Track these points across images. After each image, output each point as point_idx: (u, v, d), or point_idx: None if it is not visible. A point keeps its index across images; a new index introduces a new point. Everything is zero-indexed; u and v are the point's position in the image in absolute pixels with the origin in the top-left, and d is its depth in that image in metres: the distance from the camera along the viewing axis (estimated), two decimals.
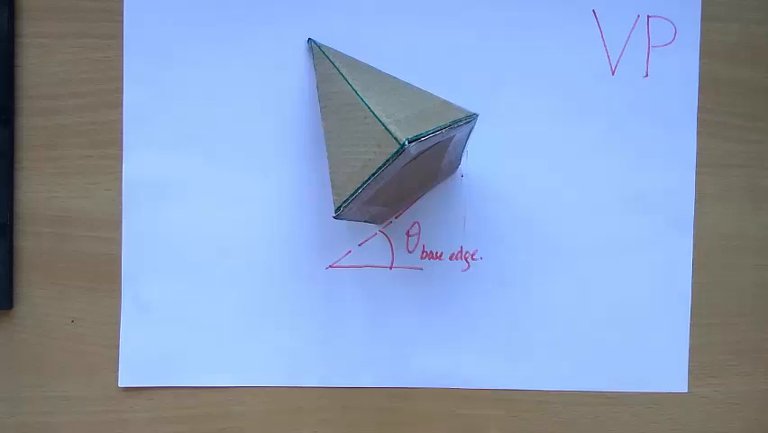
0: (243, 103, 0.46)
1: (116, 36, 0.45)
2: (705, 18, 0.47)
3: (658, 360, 0.47)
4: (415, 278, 0.46)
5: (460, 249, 0.47)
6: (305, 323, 0.46)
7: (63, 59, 0.46)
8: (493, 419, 0.47)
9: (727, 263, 0.47)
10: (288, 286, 0.46)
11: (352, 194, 0.36)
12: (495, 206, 0.47)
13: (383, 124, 0.34)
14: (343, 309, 0.46)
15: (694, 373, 0.47)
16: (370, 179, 0.35)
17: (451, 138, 0.38)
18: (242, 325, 0.46)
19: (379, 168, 0.34)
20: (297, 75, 0.46)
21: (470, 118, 0.38)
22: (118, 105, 0.46)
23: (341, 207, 0.36)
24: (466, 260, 0.47)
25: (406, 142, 0.33)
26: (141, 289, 0.46)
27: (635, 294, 0.47)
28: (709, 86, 0.47)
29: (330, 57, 0.42)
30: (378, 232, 0.46)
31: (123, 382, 0.46)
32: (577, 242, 0.47)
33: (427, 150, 0.36)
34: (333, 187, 0.37)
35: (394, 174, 0.36)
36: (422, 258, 0.47)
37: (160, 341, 0.46)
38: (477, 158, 0.46)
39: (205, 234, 0.46)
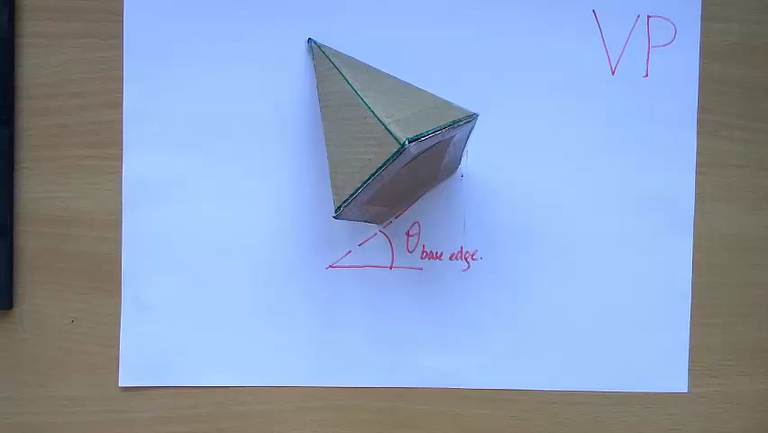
0: (243, 103, 0.46)
1: (116, 36, 0.45)
2: (705, 18, 0.47)
3: (658, 360, 0.47)
4: (415, 278, 0.46)
5: (460, 249, 0.47)
6: (305, 323, 0.46)
7: (63, 59, 0.46)
8: (493, 419, 0.47)
9: (727, 263, 0.47)
10: (288, 286, 0.46)
11: (352, 194, 0.36)
12: (495, 206, 0.47)
13: (383, 124, 0.35)
14: (343, 309, 0.46)
15: (694, 373, 0.47)
16: (370, 179, 0.35)
17: (451, 138, 0.38)
18: (241, 325, 0.46)
19: (379, 168, 0.34)
20: (297, 75, 0.46)
21: (471, 118, 0.38)
22: (118, 105, 0.46)
23: (341, 206, 0.36)
24: (466, 260, 0.47)
25: (407, 142, 0.33)
26: (140, 289, 0.46)
27: (635, 294, 0.47)
28: (709, 86, 0.47)
29: (330, 57, 0.42)
30: (378, 232, 0.46)
31: (123, 382, 0.46)
32: (577, 242, 0.47)
33: (427, 150, 0.36)
34: (333, 187, 0.37)
35: (394, 174, 0.36)
36: (422, 258, 0.47)
37: (160, 341, 0.46)
38: (477, 158, 0.46)
39: (205, 234, 0.46)
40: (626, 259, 0.47)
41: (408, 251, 0.47)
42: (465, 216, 0.47)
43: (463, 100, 0.40)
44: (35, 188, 0.46)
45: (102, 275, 0.46)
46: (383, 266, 0.46)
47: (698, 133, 0.47)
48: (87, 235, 0.46)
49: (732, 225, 0.47)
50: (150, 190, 0.46)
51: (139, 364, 0.46)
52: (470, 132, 0.41)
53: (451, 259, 0.47)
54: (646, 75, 0.47)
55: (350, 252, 0.46)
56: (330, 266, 0.46)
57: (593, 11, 0.46)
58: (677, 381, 0.47)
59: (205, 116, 0.46)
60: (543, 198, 0.47)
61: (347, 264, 0.46)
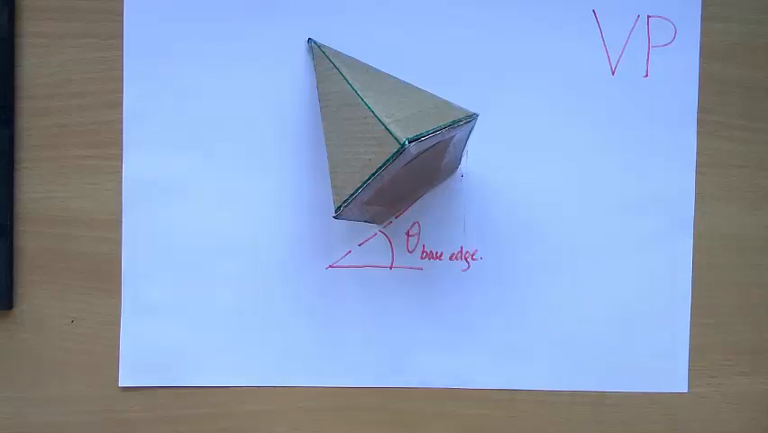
0: (243, 103, 0.46)
1: (116, 36, 0.45)
2: (705, 18, 0.47)
3: (658, 360, 0.47)
4: (415, 278, 0.46)
5: (460, 249, 0.47)
6: (305, 323, 0.46)
7: (63, 59, 0.46)
8: (493, 419, 0.47)
9: (727, 263, 0.47)
10: (288, 286, 0.46)
11: (352, 194, 0.36)
12: (495, 206, 0.47)
13: (383, 124, 0.34)
14: (343, 309, 0.46)
15: (694, 372, 0.47)
16: (370, 179, 0.35)
17: (451, 138, 0.38)
18: (242, 325, 0.46)
19: (379, 168, 0.34)
20: (297, 75, 0.46)
21: (471, 118, 0.38)
22: (118, 105, 0.46)
23: (341, 206, 0.36)
24: (466, 260, 0.47)
25: (407, 142, 0.33)
26: (141, 289, 0.46)
27: (636, 294, 0.47)
28: (709, 86, 0.47)
29: (330, 57, 0.42)
30: (378, 232, 0.46)
31: (123, 382, 0.46)
32: (577, 242, 0.47)
33: (427, 150, 0.36)
34: (333, 187, 0.37)
35: (394, 174, 0.36)
36: (422, 258, 0.47)
37: (160, 341, 0.46)
38: (477, 158, 0.46)
39: (205, 234, 0.46)
40: (627, 259, 0.47)
41: (408, 251, 0.47)
42: (465, 216, 0.47)
43: (463, 100, 0.40)
44: (35, 188, 0.46)
45: (102, 275, 0.46)
46: (383, 266, 0.46)
47: (698, 133, 0.47)
48: (87, 235, 0.46)
49: (732, 225, 0.47)
50: (150, 190, 0.46)
51: (139, 364, 0.46)
52: (470, 132, 0.41)
53: (451, 259, 0.47)
54: (646, 75, 0.47)
55: (350, 252, 0.46)
56: (330, 266, 0.46)
57: (593, 11, 0.46)
58: (677, 381, 0.47)
59: (205, 116, 0.46)
60: (543, 198, 0.47)
61: (347, 264, 0.46)
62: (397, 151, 0.34)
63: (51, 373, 0.46)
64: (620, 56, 0.47)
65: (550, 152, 0.46)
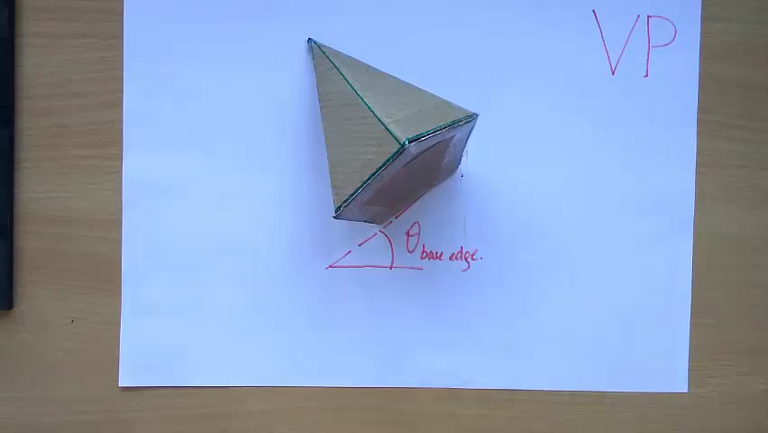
0: (243, 103, 0.46)
1: (116, 36, 0.45)
2: (705, 18, 0.47)
3: (658, 360, 0.47)
4: (415, 278, 0.46)
5: (460, 249, 0.47)
6: (305, 323, 0.46)
7: (63, 59, 0.46)
8: (493, 419, 0.47)
9: (727, 263, 0.47)
10: (288, 286, 0.46)
11: (352, 194, 0.36)
12: (495, 206, 0.47)
13: (383, 124, 0.35)
14: (343, 309, 0.46)
15: (694, 373, 0.47)
16: (370, 179, 0.35)
17: (451, 138, 0.38)
18: (242, 325, 0.46)
19: (379, 168, 0.34)
20: (297, 75, 0.46)
21: (471, 118, 0.38)
22: (118, 105, 0.46)
23: (341, 206, 0.36)
24: (466, 260, 0.47)
25: (407, 142, 0.33)
26: (141, 288, 0.46)
27: (636, 294, 0.47)
28: (709, 86, 0.47)
29: (330, 57, 0.42)
30: (378, 232, 0.46)
31: (123, 382, 0.46)
32: (577, 242, 0.47)
33: (427, 150, 0.36)
34: (333, 187, 0.37)
35: (394, 174, 0.36)
36: (422, 258, 0.47)
37: (160, 341, 0.46)
38: (477, 158, 0.46)
39: (205, 234, 0.46)
40: (627, 259, 0.47)
41: (408, 251, 0.47)
42: (465, 216, 0.47)
43: (463, 100, 0.40)
44: (35, 188, 0.46)
45: (102, 275, 0.46)
46: (383, 266, 0.46)
47: (698, 133, 0.47)
48: (87, 235, 0.46)
49: (732, 225, 0.47)
50: (150, 190, 0.46)
51: (139, 364, 0.46)
52: (470, 132, 0.41)
53: (451, 259, 0.47)
54: (646, 75, 0.47)
55: (350, 252, 0.46)
56: (330, 266, 0.46)
57: (593, 11, 0.46)
58: (677, 381, 0.47)
59: (205, 116, 0.46)
60: (543, 198, 0.47)
61: (347, 264, 0.46)
62: (397, 151, 0.34)
63: (51, 373, 0.46)
64: (620, 56, 0.47)
65: (550, 152, 0.47)
